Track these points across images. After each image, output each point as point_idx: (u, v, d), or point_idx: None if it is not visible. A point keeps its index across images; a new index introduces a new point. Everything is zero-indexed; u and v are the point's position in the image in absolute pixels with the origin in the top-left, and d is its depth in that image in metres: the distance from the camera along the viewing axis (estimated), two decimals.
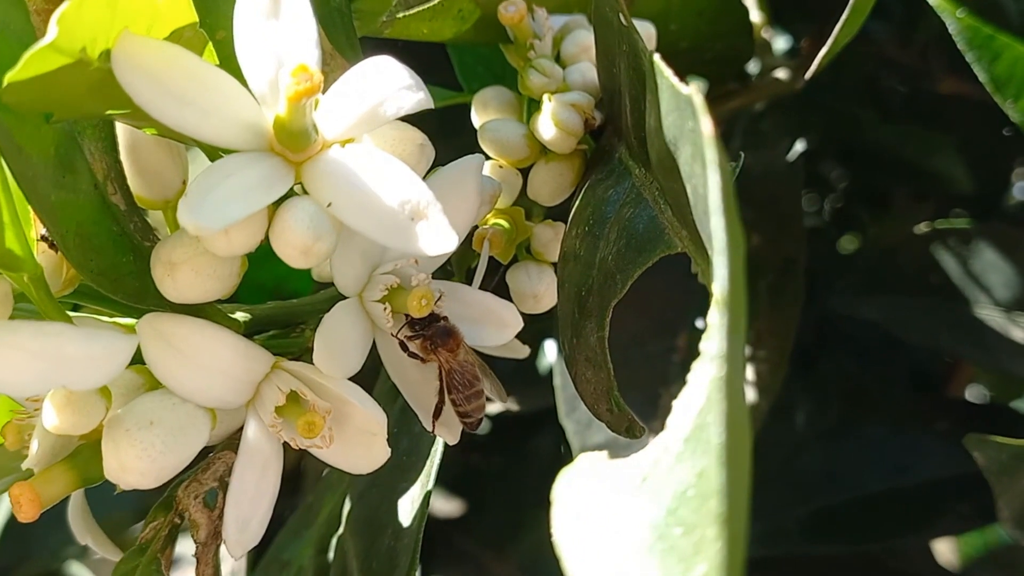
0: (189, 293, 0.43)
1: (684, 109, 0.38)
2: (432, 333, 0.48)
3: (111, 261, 0.44)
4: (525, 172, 0.59)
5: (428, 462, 0.52)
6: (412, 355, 0.49)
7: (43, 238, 0.44)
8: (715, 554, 0.29)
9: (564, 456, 1.06)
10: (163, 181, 0.49)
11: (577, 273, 0.52)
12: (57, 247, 0.44)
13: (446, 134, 0.56)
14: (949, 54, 1.18)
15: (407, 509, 0.52)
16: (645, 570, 0.32)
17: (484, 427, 1.21)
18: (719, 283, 0.30)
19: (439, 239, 0.41)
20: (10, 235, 0.39)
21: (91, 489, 0.46)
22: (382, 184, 0.41)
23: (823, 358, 1.00)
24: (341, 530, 0.56)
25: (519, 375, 1.04)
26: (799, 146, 0.89)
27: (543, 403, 0.96)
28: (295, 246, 0.41)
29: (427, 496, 0.51)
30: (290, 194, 0.43)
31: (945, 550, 1.59)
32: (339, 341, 0.46)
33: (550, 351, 1.04)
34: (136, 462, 0.41)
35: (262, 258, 0.95)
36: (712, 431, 0.34)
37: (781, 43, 1.10)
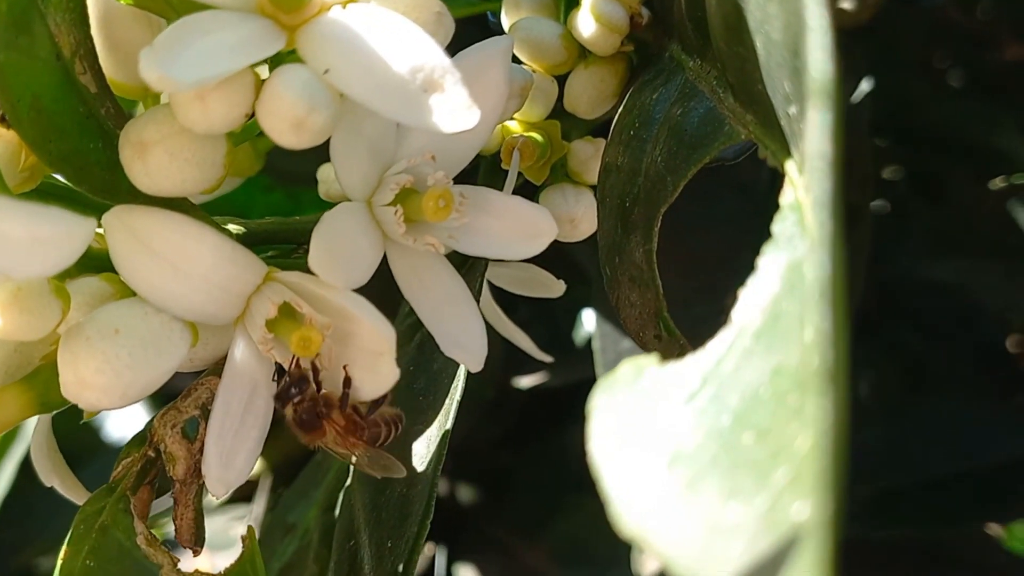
0: (164, 182, 0.37)
1: None
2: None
3: (75, 146, 0.38)
4: (562, 82, 0.52)
5: (448, 399, 0.45)
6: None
7: None
8: (806, 450, 0.22)
9: None
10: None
11: (620, 183, 0.45)
12: (9, 123, 0.37)
13: None
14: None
15: (422, 452, 0.45)
16: (707, 488, 0.26)
17: (517, 403, 1.15)
18: (815, 67, 0.23)
19: (457, 114, 0.35)
20: None
21: None
22: (390, 48, 0.35)
23: (887, 325, 0.92)
24: (349, 481, 0.49)
25: (555, 347, 0.98)
26: (865, 86, 0.81)
27: (581, 376, 0.89)
28: (285, 118, 0.34)
29: (445, 436, 0.44)
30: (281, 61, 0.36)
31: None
32: (342, 245, 0.39)
33: (588, 321, 0.98)
34: (97, 376, 0.35)
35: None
36: (787, 320, 0.28)
37: None
